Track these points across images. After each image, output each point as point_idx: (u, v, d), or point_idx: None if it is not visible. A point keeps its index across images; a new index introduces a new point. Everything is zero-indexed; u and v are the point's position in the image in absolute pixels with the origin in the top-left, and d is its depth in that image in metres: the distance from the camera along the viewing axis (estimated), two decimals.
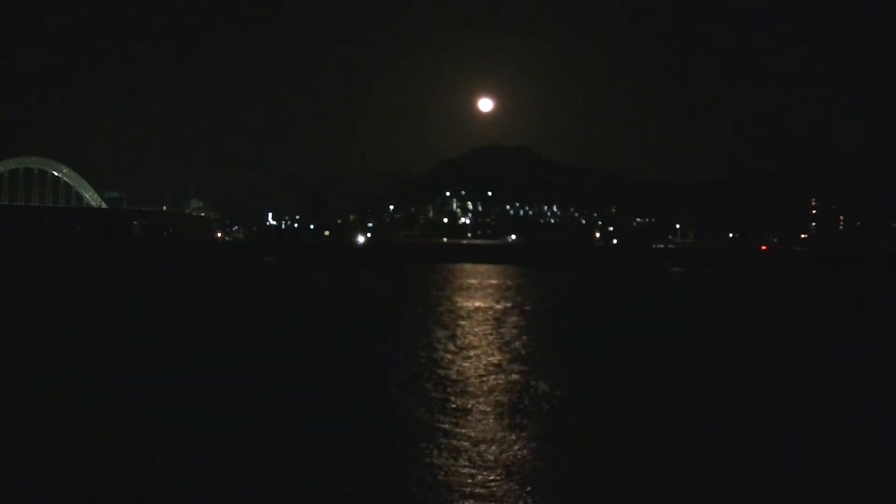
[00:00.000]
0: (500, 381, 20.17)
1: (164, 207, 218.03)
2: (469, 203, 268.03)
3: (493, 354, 24.77)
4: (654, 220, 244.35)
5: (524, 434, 14.94)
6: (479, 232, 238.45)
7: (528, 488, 11.84)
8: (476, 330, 31.33)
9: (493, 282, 66.10)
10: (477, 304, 43.56)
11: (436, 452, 13.58)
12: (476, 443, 14.20)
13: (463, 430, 15.08)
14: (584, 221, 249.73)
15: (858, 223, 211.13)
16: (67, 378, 20.28)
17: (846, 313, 43.83)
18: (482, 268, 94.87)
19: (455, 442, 14.24)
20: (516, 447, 13.99)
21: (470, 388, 19.22)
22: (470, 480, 12.12)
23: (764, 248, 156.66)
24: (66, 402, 17.36)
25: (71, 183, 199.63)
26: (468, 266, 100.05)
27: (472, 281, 67.41)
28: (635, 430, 15.53)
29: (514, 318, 35.88)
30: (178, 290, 55.20)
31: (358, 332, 31.28)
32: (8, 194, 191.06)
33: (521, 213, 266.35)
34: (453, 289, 57.03)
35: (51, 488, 11.77)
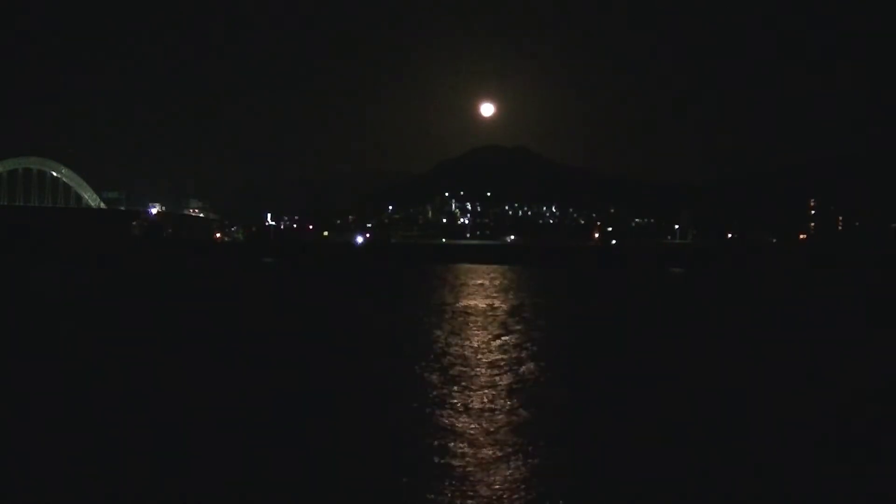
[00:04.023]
0: (504, 377, 20.16)
1: (164, 207, 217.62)
2: (468, 203, 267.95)
3: (493, 350, 24.76)
4: (653, 220, 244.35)
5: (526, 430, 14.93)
6: (478, 232, 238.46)
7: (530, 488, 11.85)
8: (478, 332, 31.30)
9: (497, 282, 66.04)
10: (480, 303, 43.52)
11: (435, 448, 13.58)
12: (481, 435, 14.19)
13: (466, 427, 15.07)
14: (582, 222, 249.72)
15: (857, 223, 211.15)
16: (64, 378, 20.26)
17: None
18: (483, 268, 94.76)
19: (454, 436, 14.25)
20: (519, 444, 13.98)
21: (471, 382, 19.21)
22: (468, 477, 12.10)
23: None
24: (63, 402, 17.35)
25: (70, 183, 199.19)
26: (466, 266, 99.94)
27: (479, 281, 67.35)
28: (634, 432, 15.51)
29: (515, 317, 35.86)
30: (177, 291, 55.13)
31: (358, 332, 31.26)
32: (7, 194, 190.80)
33: (521, 213, 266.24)
34: (452, 288, 56.99)
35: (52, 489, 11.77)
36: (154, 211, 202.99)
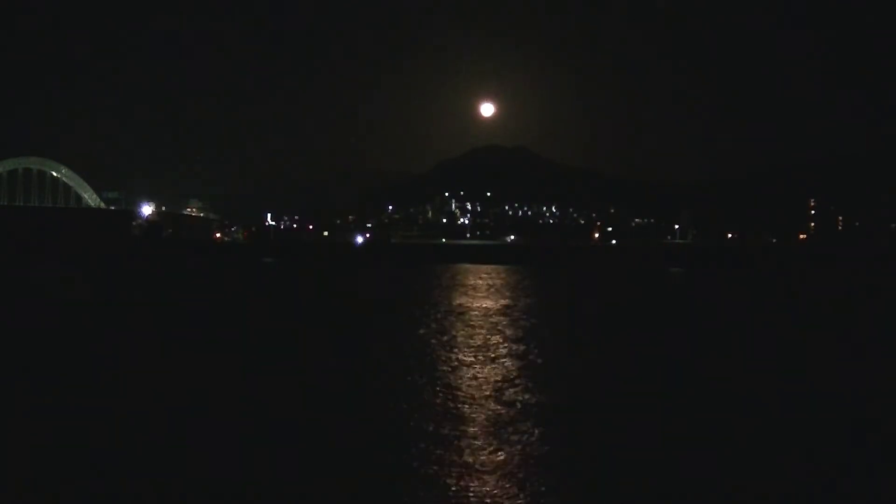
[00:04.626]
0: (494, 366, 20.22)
1: (164, 207, 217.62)
2: (468, 203, 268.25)
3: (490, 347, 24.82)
4: (653, 220, 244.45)
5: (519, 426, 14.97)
6: (478, 232, 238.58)
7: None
8: (471, 331, 31.33)
9: (496, 282, 66.10)
10: (476, 303, 43.56)
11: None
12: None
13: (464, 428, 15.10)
14: (582, 222, 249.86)
15: (857, 223, 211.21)
16: (63, 378, 20.32)
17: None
18: (483, 268, 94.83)
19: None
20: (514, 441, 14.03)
21: (464, 371, 19.27)
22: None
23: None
24: (62, 402, 17.40)
25: (70, 183, 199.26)
26: (466, 266, 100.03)
27: (477, 281, 67.40)
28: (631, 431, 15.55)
29: (508, 317, 35.90)
30: (176, 291, 55.20)
31: (357, 333, 31.32)
32: (7, 194, 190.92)
33: (521, 213, 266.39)
34: (448, 288, 57.04)
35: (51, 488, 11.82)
36: (148, 211, 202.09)
